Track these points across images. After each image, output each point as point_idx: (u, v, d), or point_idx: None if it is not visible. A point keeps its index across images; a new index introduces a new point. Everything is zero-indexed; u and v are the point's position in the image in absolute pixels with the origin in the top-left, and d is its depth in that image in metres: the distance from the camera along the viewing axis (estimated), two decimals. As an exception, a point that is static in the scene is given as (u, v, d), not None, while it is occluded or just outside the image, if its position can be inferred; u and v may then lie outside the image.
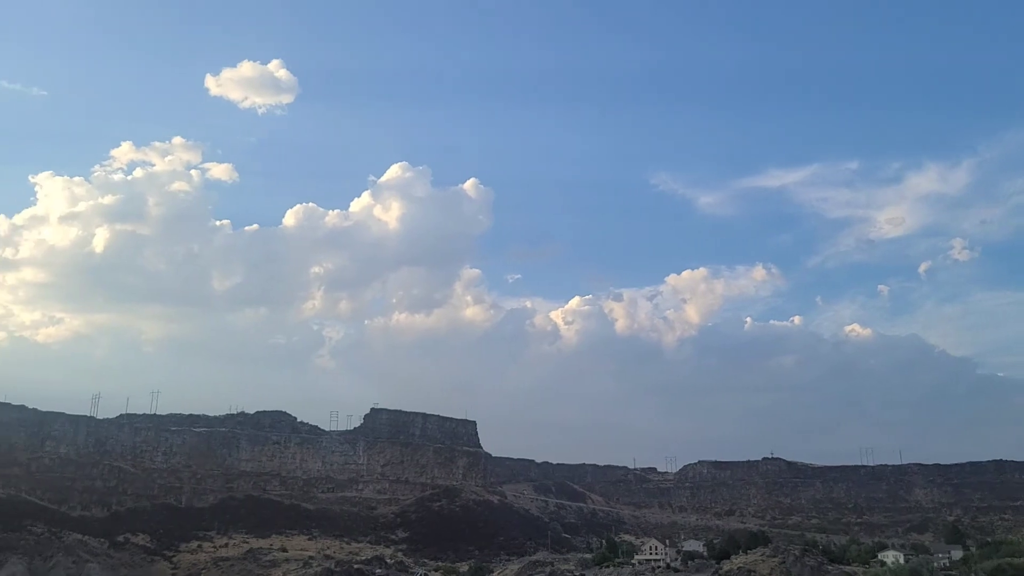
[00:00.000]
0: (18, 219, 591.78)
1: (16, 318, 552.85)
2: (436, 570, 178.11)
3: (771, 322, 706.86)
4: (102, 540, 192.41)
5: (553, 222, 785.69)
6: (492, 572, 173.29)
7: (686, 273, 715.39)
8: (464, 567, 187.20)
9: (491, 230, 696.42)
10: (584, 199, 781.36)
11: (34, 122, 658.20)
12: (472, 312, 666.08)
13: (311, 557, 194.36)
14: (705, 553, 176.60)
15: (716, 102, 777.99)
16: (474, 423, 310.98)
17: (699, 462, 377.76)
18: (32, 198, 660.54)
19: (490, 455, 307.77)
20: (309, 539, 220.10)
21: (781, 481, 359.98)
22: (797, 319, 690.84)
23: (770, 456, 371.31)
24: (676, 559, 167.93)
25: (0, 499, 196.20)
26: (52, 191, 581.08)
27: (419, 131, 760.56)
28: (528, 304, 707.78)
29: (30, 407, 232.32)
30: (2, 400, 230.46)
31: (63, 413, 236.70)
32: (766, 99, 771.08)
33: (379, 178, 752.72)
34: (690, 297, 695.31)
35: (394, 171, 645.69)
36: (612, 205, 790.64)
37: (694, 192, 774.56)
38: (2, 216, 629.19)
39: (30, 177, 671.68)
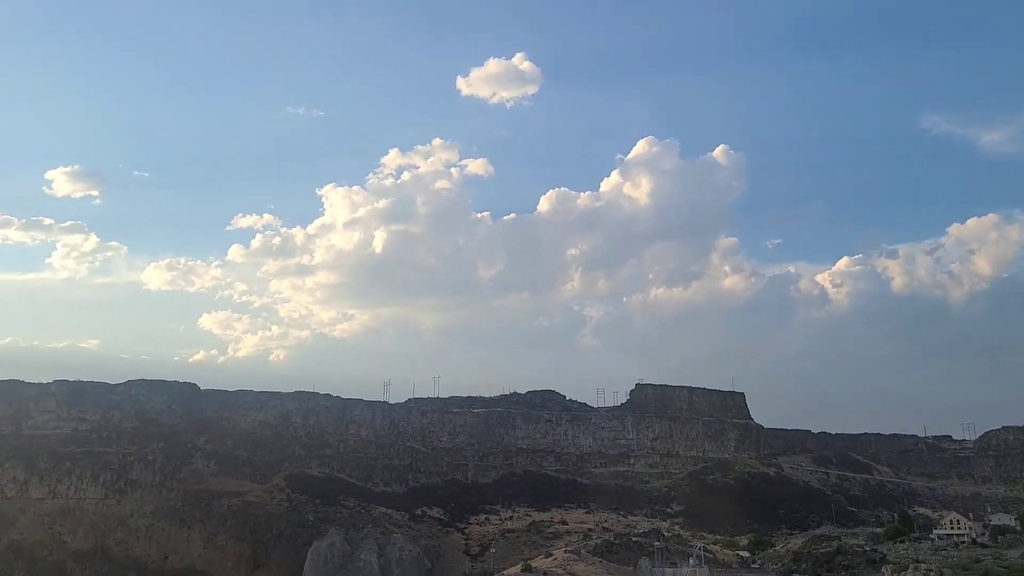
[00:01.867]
0: (311, 229, 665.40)
1: (316, 317, 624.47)
2: (714, 543, 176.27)
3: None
4: (403, 513, 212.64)
5: (812, 181, 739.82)
6: (774, 546, 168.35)
7: (972, 221, 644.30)
8: (743, 540, 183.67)
9: (745, 196, 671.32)
10: (845, 153, 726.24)
11: (316, 140, 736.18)
12: (731, 282, 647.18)
13: (590, 529, 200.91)
14: (1018, 527, 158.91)
15: (986, 32, 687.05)
16: (742, 395, 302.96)
17: (1003, 428, 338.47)
18: (320, 209, 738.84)
19: (762, 427, 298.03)
20: (587, 512, 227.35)
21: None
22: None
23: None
24: (983, 534, 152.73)
25: (318, 477, 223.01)
26: (336, 201, 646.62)
27: (663, 104, 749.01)
28: (791, 269, 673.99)
29: (335, 395, 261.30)
30: (312, 390, 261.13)
31: (361, 399, 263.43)
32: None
33: (626, 156, 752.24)
34: (979, 247, 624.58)
35: (641, 147, 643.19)
36: (878, 156, 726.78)
37: (975, 131, 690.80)
38: (298, 228, 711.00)
39: (317, 190, 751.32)
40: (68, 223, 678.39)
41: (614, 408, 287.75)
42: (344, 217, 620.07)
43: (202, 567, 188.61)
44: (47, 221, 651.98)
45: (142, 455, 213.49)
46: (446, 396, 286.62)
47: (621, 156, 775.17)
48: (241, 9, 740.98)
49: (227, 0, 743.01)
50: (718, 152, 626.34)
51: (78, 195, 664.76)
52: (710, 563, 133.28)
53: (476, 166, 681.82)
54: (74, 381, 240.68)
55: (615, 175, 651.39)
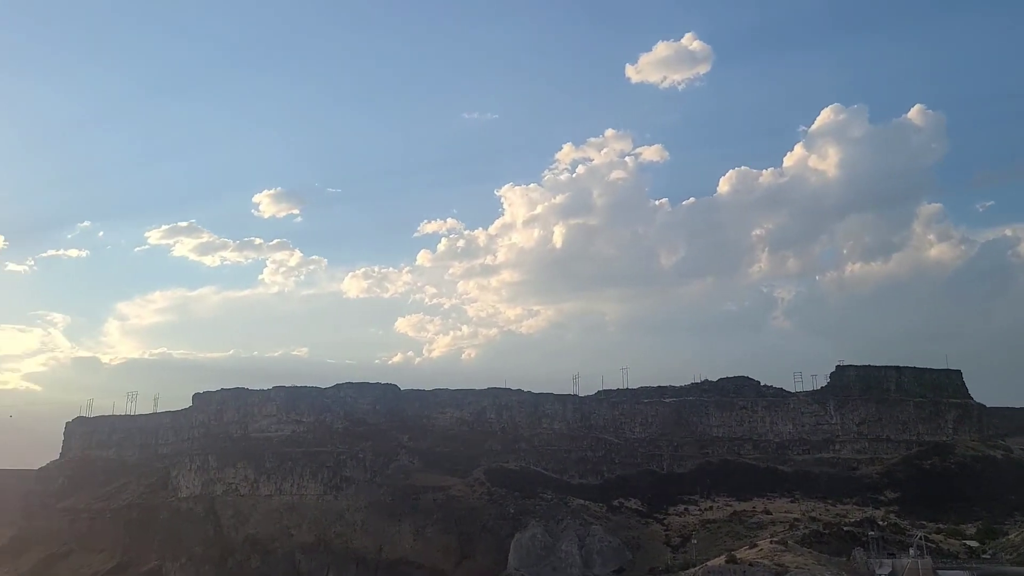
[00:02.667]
0: (492, 229, 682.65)
1: (503, 315, 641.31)
2: (936, 532, 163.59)
3: None
4: (600, 504, 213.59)
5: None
6: (1006, 534, 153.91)
7: None
8: (970, 529, 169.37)
9: (948, 158, 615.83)
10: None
11: (492, 143, 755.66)
12: (938, 251, 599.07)
13: (796, 519, 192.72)
14: None
15: None
16: (959, 372, 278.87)
17: None
18: (500, 209, 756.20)
19: (984, 406, 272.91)
20: (791, 501, 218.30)
21: None
22: None
23: None
24: None
25: (515, 471, 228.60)
26: (514, 200, 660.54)
27: (846, 68, 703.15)
28: (1007, 232, 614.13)
29: (525, 390, 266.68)
30: (504, 386, 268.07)
31: (552, 393, 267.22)
32: None
33: (810, 127, 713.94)
34: None
35: (826, 116, 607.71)
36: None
37: None
38: (480, 229, 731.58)
39: (495, 191, 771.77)
40: (275, 241, 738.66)
41: (814, 392, 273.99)
42: (523, 215, 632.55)
43: (413, 558, 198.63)
44: (257, 241, 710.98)
45: (353, 453, 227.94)
46: (635, 387, 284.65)
47: (804, 128, 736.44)
48: (407, 24, 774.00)
49: (393, 18, 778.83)
50: (913, 113, 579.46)
51: (281, 215, 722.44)
52: (933, 553, 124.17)
53: (651, 153, 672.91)
54: (290, 387, 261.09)
55: (799, 148, 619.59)
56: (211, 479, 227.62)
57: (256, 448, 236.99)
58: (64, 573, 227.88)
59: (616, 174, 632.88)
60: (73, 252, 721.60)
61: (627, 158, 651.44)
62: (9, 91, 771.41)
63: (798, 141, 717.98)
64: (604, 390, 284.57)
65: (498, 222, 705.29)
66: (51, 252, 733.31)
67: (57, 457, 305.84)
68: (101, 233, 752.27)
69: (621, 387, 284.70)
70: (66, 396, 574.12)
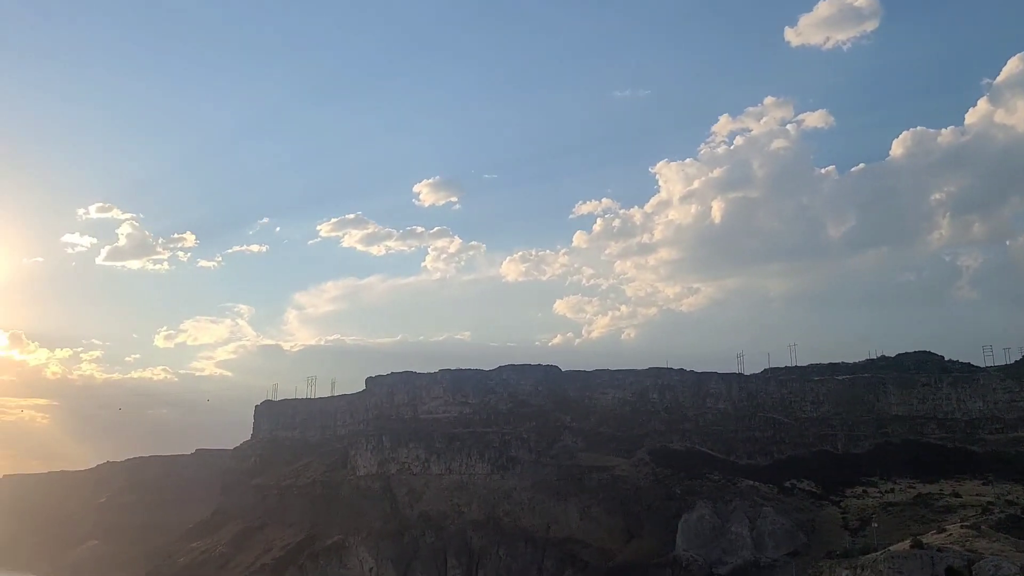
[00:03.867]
0: (648, 207, 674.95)
1: (662, 293, 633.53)
2: None
3: None
4: (770, 486, 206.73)
5: None
6: None
7: None
8: None
9: None
10: None
11: (645, 120, 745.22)
12: None
13: (990, 503, 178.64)
14: None
15: None
16: None
17: None
18: (655, 186, 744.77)
19: None
20: (983, 484, 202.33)
21: None
22: None
23: None
24: None
25: (680, 451, 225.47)
26: (669, 176, 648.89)
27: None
28: None
29: (688, 370, 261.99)
30: (665, 366, 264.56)
31: (715, 372, 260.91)
32: None
33: (995, 79, 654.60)
34: None
35: (1013, 66, 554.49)
36: None
37: None
38: (636, 208, 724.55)
39: (650, 168, 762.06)
40: (435, 229, 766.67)
41: (1007, 367, 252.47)
42: (679, 191, 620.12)
43: (581, 537, 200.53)
44: (419, 229, 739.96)
45: (517, 434, 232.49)
46: (804, 364, 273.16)
47: (988, 80, 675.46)
48: (552, 8, 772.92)
49: (535, 3, 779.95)
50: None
51: (441, 203, 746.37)
52: None
53: (814, 119, 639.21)
54: (455, 369, 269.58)
55: (983, 103, 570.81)
56: (386, 458, 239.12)
57: (426, 429, 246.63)
58: (259, 544, 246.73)
59: (777, 143, 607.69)
60: (255, 247, 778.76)
61: (788, 126, 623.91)
62: (186, 105, 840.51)
63: (981, 96, 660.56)
64: (771, 368, 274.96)
65: (654, 200, 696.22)
66: (236, 248, 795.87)
67: (249, 438, 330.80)
68: (278, 228, 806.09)
69: (789, 364, 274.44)
70: (254, 381, 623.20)
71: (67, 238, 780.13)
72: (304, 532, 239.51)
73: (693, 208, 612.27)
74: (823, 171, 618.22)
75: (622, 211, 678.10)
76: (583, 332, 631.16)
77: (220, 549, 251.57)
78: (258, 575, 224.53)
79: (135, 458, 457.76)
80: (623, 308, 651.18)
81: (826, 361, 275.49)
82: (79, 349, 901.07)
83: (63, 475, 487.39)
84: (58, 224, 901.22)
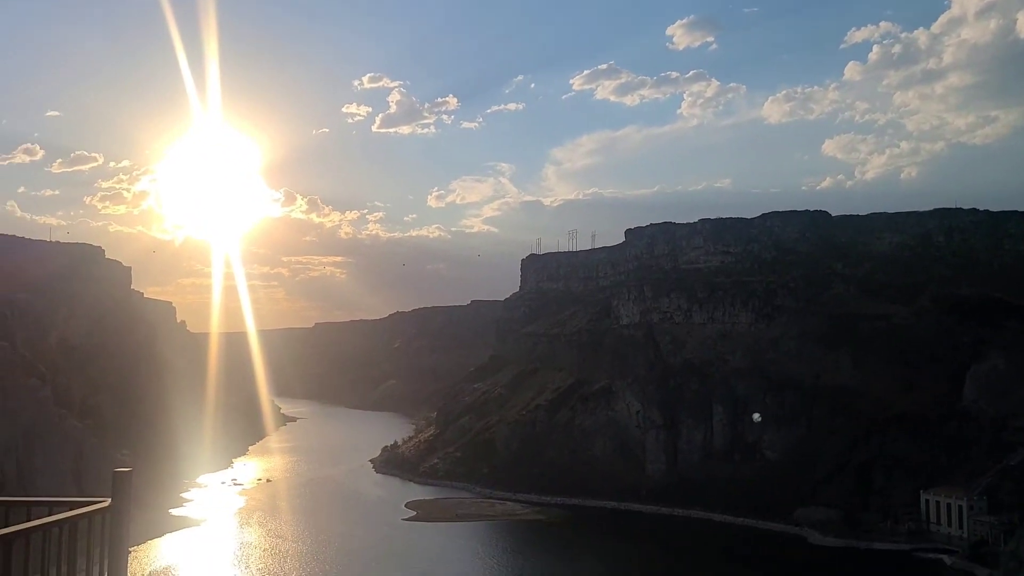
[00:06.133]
0: (935, 27, 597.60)
1: (951, 126, 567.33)
2: None
3: None
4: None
5: None
6: None
7: None
8: None
9: None
10: None
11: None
12: None
13: None
14: None
15: None
16: None
17: None
18: (944, 2, 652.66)
19: None
20: None
21: None
22: None
23: None
24: None
25: (970, 298, 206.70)
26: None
27: None
28: None
29: (981, 209, 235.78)
30: (953, 206, 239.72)
31: (1016, 211, 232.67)
32: None
33: None
34: None
35: None
36: None
37: None
38: (921, 29, 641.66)
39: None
40: (691, 73, 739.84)
41: None
42: (974, 5, 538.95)
43: (853, 387, 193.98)
44: (673, 75, 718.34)
45: (783, 282, 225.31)
46: None
47: None
48: None
49: None
50: None
51: (696, 44, 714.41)
52: None
53: None
54: (716, 219, 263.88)
55: None
56: (648, 308, 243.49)
57: (687, 279, 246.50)
58: (533, 387, 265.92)
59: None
60: (512, 106, 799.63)
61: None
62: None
63: None
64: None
65: (942, 18, 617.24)
66: (494, 108, 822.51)
67: (517, 290, 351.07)
68: (532, 85, 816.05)
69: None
70: (518, 236, 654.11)
71: (346, 108, 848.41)
72: (573, 377, 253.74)
73: (992, 24, 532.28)
74: None
75: (903, 35, 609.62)
76: (855, 173, 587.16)
77: (499, 390, 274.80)
78: (534, 414, 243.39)
79: (420, 308, 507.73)
80: (903, 145, 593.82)
81: None
82: (364, 211, 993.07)
83: (362, 323, 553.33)
84: (337, 96, 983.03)
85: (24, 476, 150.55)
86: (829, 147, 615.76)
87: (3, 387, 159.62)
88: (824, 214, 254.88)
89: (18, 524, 7.21)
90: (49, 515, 7.48)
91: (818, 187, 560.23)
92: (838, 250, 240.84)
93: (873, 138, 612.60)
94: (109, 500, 7.87)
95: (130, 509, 7.97)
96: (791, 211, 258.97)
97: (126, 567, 8.18)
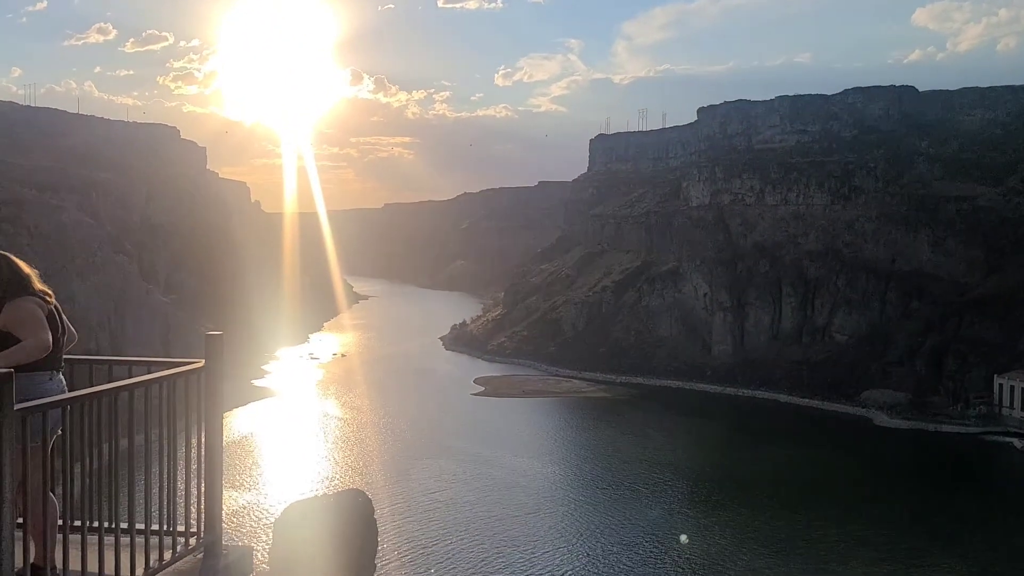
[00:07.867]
0: None
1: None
2: None
3: None
4: None
5: None
6: None
7: None
8: None
9: None
10: None
11: None
12: None
13: None
14: None
15: None
16: None
17: None
18: None
19: None
20: None
21: None
22: None
23: None
24: None
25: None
26: None
27: None
28: None
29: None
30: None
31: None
32: None
33: None
34: None
35: None
36: None
37: None
38: None
39: None
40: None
41: None
42: None
43: (930, 270, 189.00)
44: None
45: (863, 162, 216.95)
46: None
47: None
48: None
49: None
50: None
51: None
52: None
53: None
54: (794, 96, 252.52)
55: None
56: (719, 189, 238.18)
57: (760, 159, 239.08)
58: (600, 268, 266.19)
59: None
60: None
61: None
62: None
63: None
64: None
65: None
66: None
67: (585, 171, 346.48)
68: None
69: None
70: (587, 116, 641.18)
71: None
72: (640, 259, 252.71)
73: None
74: None
75: None
76: (947, 45, 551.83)
77: (566, 271, 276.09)
78: (600, 295, 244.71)
79: (488, 189, 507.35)
80: (1002, 12, 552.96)
81: None
82: (431, 90, 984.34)
83: (430, 204, 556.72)
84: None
85: (117, 347, 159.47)
86: (920, 16, 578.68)
87: (94, 263, 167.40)
88: (911, 89, 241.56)
89: (120, 380, 7.62)
90: (148, 373, 7.89)
91: (905, 60, 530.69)
92: (923, 128, 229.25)
93: (970, 5, 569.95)
94: (203, 361, 8.25)
95: (223, 370, 8.37)
96: (875, 86, 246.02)
97: (221, 424, 8.66)
